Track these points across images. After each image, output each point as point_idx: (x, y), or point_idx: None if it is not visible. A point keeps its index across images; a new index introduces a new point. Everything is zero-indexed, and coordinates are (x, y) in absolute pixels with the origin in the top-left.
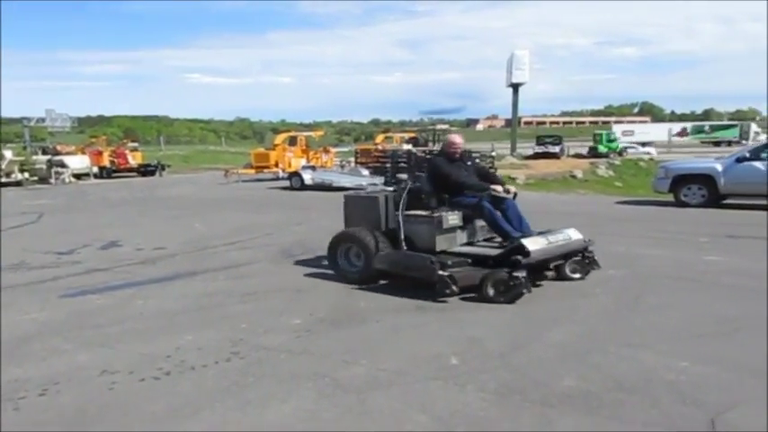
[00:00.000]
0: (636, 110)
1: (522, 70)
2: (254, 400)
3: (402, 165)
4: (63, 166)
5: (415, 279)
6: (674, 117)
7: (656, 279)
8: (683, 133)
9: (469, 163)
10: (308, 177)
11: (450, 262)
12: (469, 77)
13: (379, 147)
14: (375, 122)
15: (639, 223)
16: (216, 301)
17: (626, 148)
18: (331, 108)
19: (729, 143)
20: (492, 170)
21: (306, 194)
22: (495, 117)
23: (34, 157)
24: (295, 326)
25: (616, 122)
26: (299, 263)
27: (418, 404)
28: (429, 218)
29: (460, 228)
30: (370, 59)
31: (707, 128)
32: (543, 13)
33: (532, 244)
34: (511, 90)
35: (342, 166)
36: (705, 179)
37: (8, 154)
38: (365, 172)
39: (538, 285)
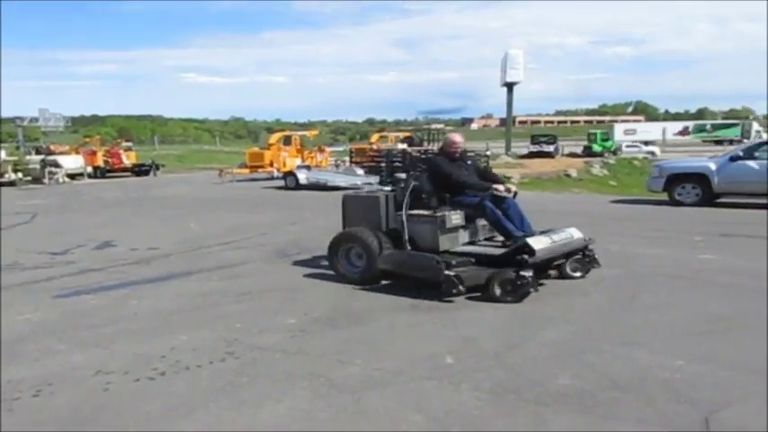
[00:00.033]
0: (630, 109)
1: (517, 69)
2: (249, 399)
3: (397, 164)
4: (57, 165)
5: (418, 279)
6: (668, 116)
7: (650, 278)
8: (684, 132)
9: (469, 162)
10: (302, 177)
11: (454, 261)
12: (464, 77)
13: (374, 146)
14: (370, 122)
15: (634, 222)
16: (210, 301)
17: (628, 146)
18: (326, 107)
19: (731, 142)
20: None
21: (300, 194)
22: (489, 116)
23: (28, 157)
24: (290, 325)
25: (618, 122)
26: (293, 263)
27: (413, 404)
28: (432, 217)
29: (462, 227)
30: (365, 59)
31: (708, 127)
32: (537, 13)
33: (537, 243)
34: (505, 89)
35: (337, 166)
36: (699, 178)
37: (1, 154)
38: (360, 171)
39: (541, 284)
